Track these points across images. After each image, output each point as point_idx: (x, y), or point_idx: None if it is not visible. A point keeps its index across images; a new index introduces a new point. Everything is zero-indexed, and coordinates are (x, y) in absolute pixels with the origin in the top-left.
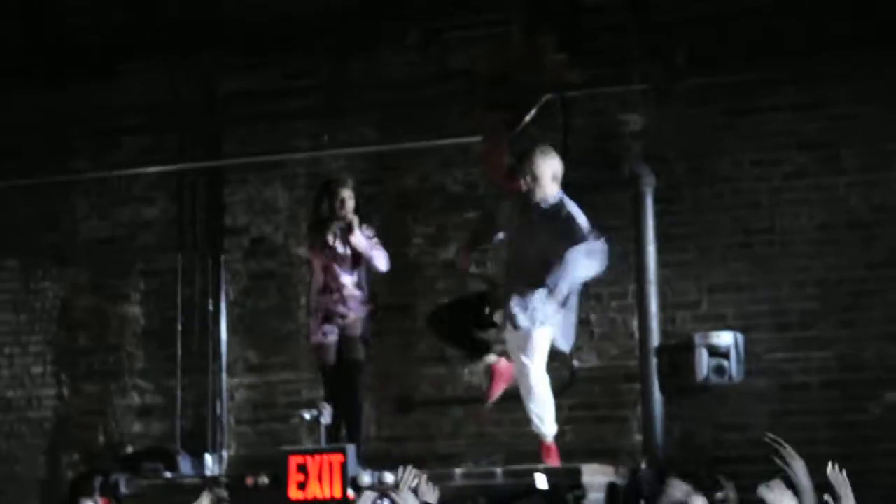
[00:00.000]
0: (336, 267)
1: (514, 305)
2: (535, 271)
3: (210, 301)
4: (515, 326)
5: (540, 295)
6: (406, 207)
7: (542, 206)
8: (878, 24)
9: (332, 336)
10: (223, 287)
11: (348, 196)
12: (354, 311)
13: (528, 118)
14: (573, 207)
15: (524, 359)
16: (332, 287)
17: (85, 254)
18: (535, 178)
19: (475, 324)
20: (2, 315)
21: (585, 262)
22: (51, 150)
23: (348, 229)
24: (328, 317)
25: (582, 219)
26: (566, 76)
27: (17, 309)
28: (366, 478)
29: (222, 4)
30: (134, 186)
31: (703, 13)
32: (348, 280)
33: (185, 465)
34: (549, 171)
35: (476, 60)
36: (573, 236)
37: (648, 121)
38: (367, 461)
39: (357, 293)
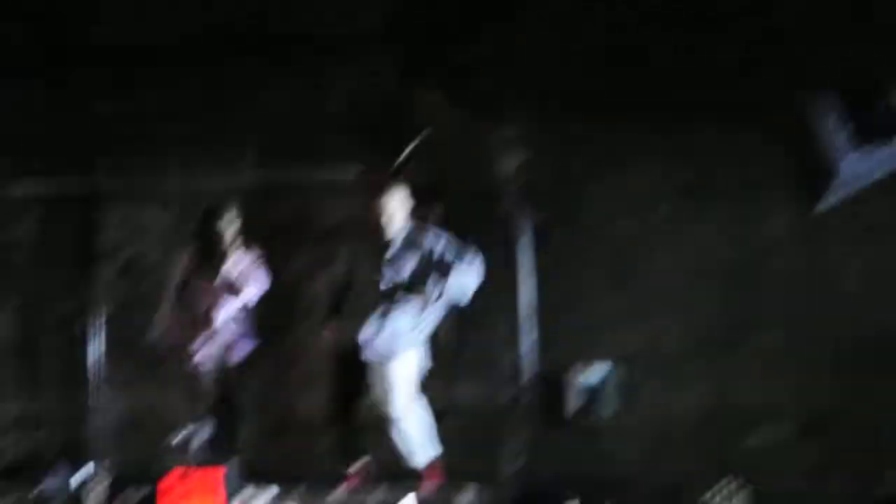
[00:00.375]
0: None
1: (370, 337)
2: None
3: (83, 319)
4: (372, 357)
5: (398, 323)
6: (284, 236)
7: (400, 240)
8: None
9: (211, 360)
10: (97, 305)
11: (227, 224)
12: (233, 336)
13: (403, 158)
14: (431, 238)
15: (387, 393)
16: (210, 312)
17: None
18: (386, 216)
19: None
20: None
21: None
22: None
23: (223, 260)
24: (207, 341)
25: (441, 245)
26: (442, 116)
27: None
28: (247, 492)
29: (99, 24)
30: (4, 204)
31: (576, 60)
32: (226, 306)
33: (52, 482)
34: (397, 206)
35: (354, 102)
36: (441, 267)
37: (526, 160)
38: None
39: (235, 318)
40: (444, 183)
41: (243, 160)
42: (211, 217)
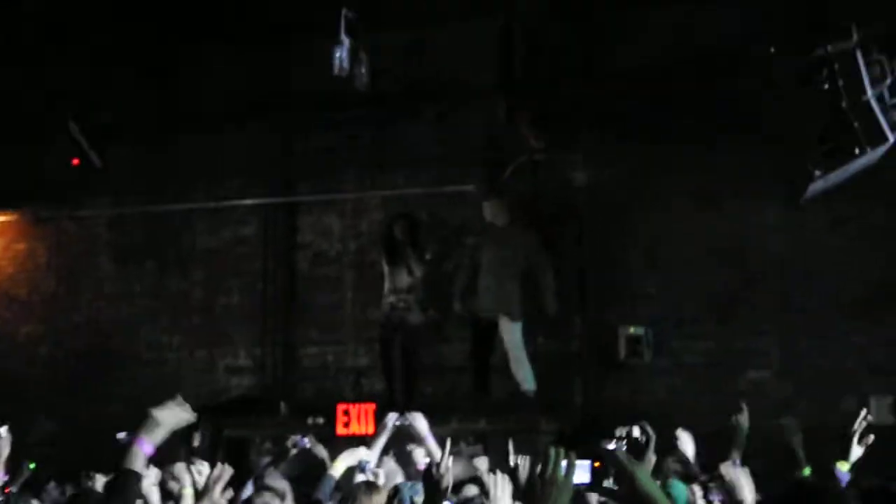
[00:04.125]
0: (395, 275)
1: (503, 304)
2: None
3: (284, 295)
4: (510, 318)
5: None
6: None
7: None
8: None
9: (394, 323)
10: (295, 285)
11: (399, 230)
12: (410, 306)
13: (508, 172)
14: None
15: (514, 339)
16: (392, 288)
17: (200, 260)
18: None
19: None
20: (143, 301)
21: None
22: (178, 187)
23: (403, 251)
24: (392, 309)
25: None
26: (533, 142)
27: (153, 297)
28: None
29: (290, 81)
30: (234, 213)
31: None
32: (405, 283)
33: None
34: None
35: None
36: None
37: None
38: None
39: (412, 293)
40: (535, 194)
41: (393, 180)
42: (391, 223)
